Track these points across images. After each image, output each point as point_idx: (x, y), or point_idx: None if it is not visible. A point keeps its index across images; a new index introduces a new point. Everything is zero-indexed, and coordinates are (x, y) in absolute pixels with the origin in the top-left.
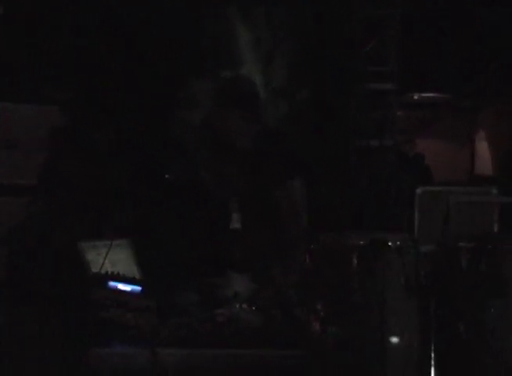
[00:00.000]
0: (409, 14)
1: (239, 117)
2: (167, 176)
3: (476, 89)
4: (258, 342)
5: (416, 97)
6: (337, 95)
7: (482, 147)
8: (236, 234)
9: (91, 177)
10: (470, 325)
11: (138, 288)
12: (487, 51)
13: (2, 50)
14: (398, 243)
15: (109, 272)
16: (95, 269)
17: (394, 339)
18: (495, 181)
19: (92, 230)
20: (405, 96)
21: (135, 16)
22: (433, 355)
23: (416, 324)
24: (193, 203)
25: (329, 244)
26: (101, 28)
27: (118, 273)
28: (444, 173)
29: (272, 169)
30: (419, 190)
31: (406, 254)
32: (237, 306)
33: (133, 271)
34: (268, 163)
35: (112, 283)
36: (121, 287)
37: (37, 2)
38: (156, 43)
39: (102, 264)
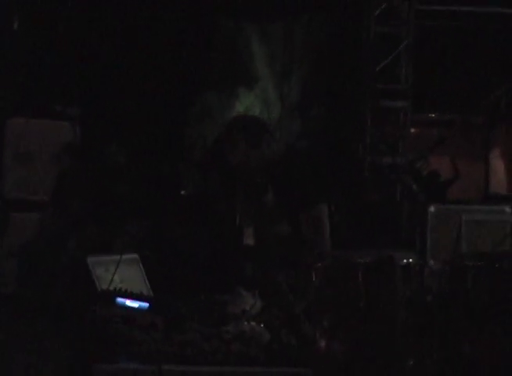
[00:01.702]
0: (423, 32)
1: (245, 143)
2: (182, 192)
3: (490, 107)
4: (266, 360)
5: (430, 115)
6: (350, 113)
7: (497, 165)
8: (248, 250)
9: (101, 192)
10: (475, 344)
11: (145, 305)
12: (501, 68)
13: (16, 67)
14: (405, 261)
15: (118, 288)
16: (103, 285)
17: (400, 357)
18: (510, 199)
19: (102, 245)
20: (419, 114)
21: (150, 32)
22: (438, 374)
23: (422, 342)
24: (205, 218)
25: (336, 261)
26: (114, 44)
27: (126, 290)
28: (457, 191)
29: (298, 194)
30: (431, 208)
31: (413, 272)
32: (245, 323)
33: (142, 287)
34: (295, 188)
35: (120, 300)
36: (129, 303)
37: (51, 18)
38: (170, 58)
39: (111, 280)
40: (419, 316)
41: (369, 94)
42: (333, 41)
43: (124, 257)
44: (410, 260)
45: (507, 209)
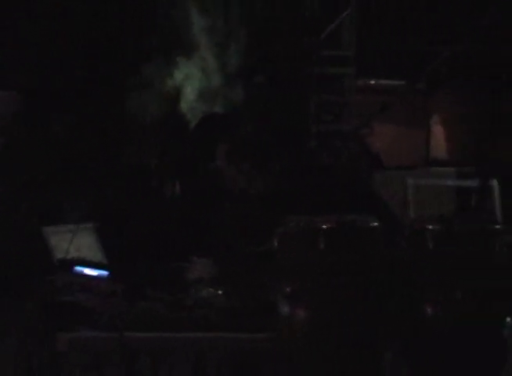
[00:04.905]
0: None
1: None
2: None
3: (431, 73)
4: (225, 325)
5: (373, 82)
6: (293, 80)
7: (437, 131)
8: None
9: (50, 162)
10: (437, 306)
11: (105, 273)
12: (443, 34)
13: None
14: (367, 225)
15: (76, 257)
16: (59, 254)
17: (362, 321)
18: (450, 164)
19: (55, 215)
20: (363, 81)
21: (88, 1)
22: (400, 336)
23: (384, 305)
24: (160, 187)
25: (297, 227)
26: (53, 13)
27: (84, 258)
28: (401, 157)
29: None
30: (376, 174)
31: (373, 236)
32: (203, 290)
33: (97, 256)
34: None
35: (78, 268)
36: (88, 271)
37: None
38: (110, 28)
39: (68, 249)
40: (381, 278)
41: (312, 61)
42: (273, 10)
43: (80, 226)
44: (370, 225)
45: (451, 173)
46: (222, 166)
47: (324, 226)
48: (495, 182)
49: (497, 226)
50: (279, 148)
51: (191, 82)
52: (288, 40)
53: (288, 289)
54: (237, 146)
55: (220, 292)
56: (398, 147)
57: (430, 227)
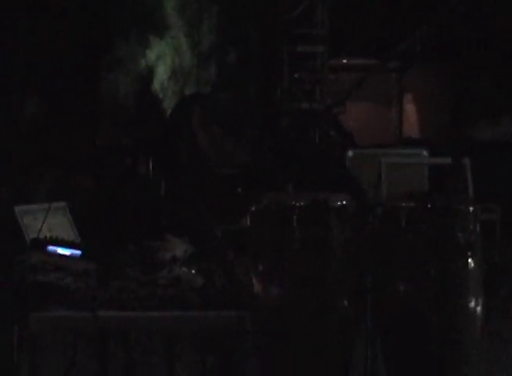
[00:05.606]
0: None
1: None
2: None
3: (405, 51)
4: (201, 304)
5: (345, 60)
6: (266, 58)
7: (409, 110)
8: (174, 198)
9: (24, 143)
10: (410, 284)
11: (77, 252)
12: (416, 13)
13: None
14: (339, 203)
15: (49, 236)
16: (32, 234)
17: (334, 299)
18: (423, 143)
19: (27, 195)
20: (336, 60)
21: None
22: (372, 315)
23: (356, 284)
24: (133, 166)
25: (269, 204)
26: None
27: (57, 237)
28: (374, 136)
29: None
30: (350, 153)
31: (347, 215)
32: (177, 269)
33: (70, 235)
34: None
35: (51, 248)
36: (61, 251)
37: None
38: (83, 8)
39: (41, 228)
40: (354, 257)
41: (285, 39)
42: None
43: (52, 205)
44: (344, 203)
45: (424, 152)
46: (196, 131)
47: (297, 204)
48: (467, 161)
49: (470, 205)
50: (252, 123)
51: (163, 62)
52: (261, 18)
53: (261, 267)
54: (210, 110)
55: (193, 271)
56: (371, 126)
57: (404, 205)
